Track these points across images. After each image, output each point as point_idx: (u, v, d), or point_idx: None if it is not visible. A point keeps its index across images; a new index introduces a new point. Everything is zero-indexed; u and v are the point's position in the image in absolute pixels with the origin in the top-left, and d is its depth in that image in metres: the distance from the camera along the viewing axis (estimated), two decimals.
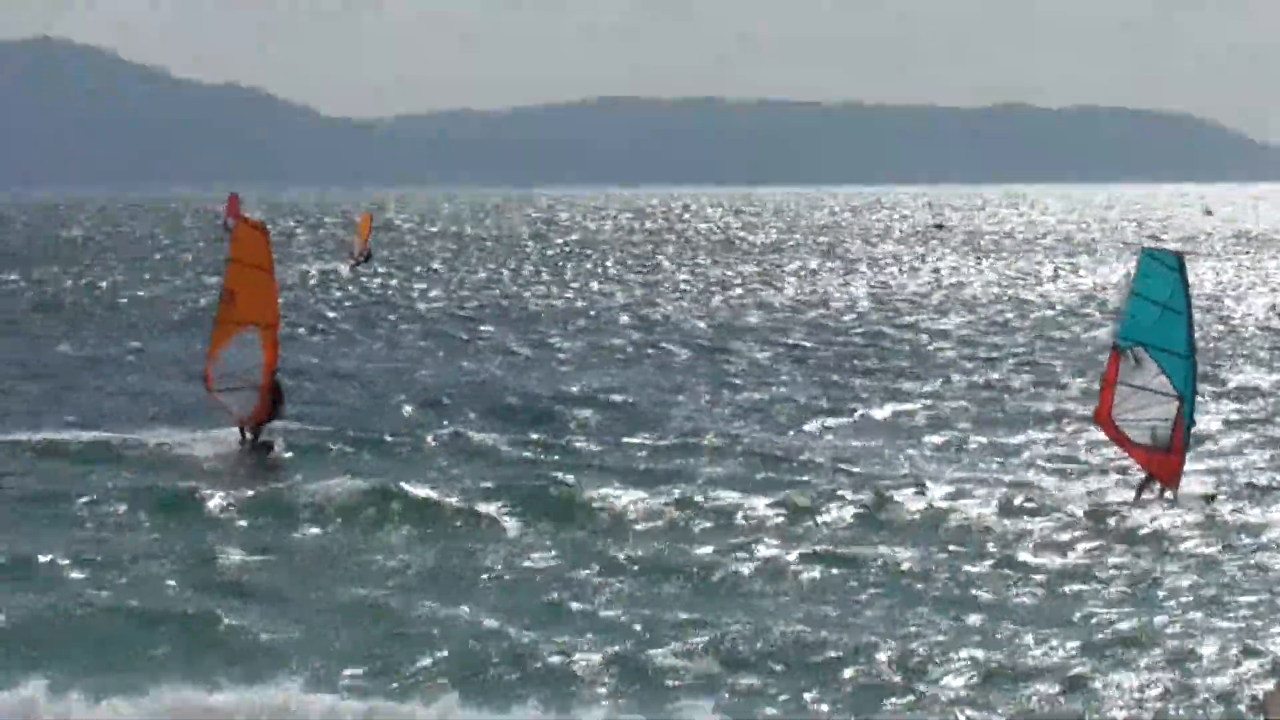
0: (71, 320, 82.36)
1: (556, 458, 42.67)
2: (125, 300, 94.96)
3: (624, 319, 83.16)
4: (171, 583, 30.25)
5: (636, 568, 31.55)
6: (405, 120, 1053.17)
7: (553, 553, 32.76)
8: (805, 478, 40.13)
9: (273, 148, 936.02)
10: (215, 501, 36.24)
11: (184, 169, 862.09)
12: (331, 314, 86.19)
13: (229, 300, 42.65)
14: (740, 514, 35.76)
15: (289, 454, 42.10)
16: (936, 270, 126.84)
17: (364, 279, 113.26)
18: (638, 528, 34.99)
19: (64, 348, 68.62)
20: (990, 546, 33.37)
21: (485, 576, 31.00)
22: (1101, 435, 39.37)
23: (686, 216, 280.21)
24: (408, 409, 51.44)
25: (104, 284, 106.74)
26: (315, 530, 34.78)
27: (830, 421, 49.62)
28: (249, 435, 42.75)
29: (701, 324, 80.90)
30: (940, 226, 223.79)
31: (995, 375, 61.12)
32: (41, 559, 31.50)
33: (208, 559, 31.88)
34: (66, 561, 31.34)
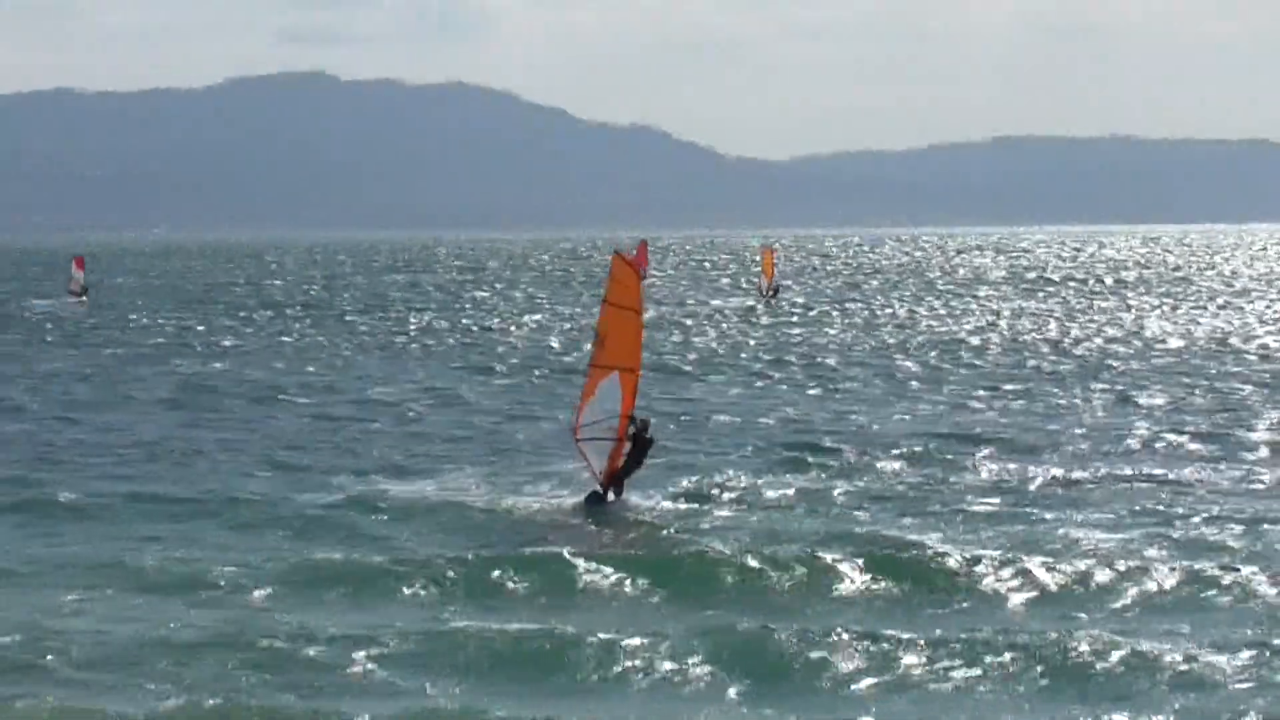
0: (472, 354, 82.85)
1: None
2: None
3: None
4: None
5: None
6: (803, 160, 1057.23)
7: None
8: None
9: (673, 188, 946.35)
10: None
11: (587, 209, 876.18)
12: (744, 356, 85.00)
13: (599, 344, 39.80)
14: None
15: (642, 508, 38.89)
16: None
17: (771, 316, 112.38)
18: None
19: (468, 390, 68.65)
20: None
21: None
22: None
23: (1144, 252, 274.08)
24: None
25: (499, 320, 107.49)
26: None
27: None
28: (609, 490, 39.33)
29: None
30: None
31: None
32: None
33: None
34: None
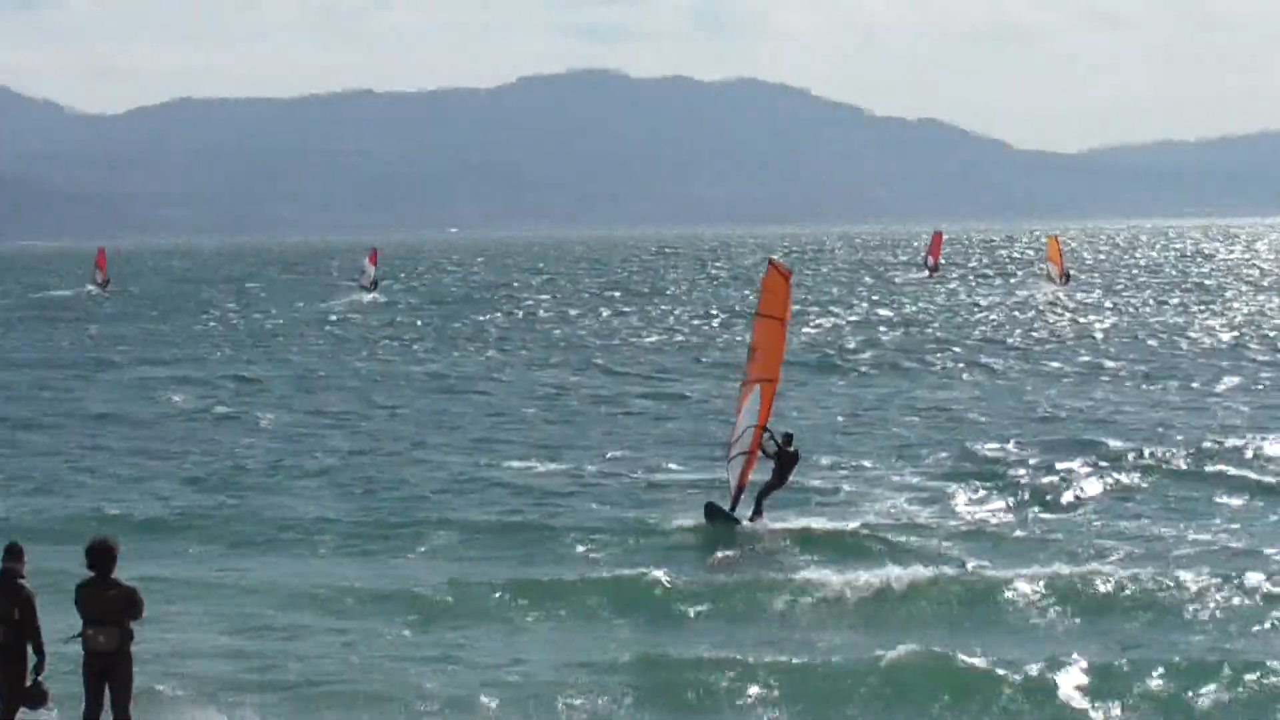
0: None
1: None
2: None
3: None
4: None
5: None
6: (1096, 152, 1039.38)
7: None
8: None
9: (962, 181, 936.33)
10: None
11: (875, 204, 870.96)
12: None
13: (751, 356, 37.39)
14: None
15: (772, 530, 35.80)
16: None
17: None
18: None
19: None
20: None
21: None
22: None
23: None
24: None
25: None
26: None
27: None
28: (736, 505, 36.29)
29: None
30: None
31: None
32: None
33: None
34: None
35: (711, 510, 36.17)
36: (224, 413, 58.27)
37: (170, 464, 46.44)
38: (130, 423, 56.08)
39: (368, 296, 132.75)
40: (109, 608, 20.09)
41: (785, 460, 36.20)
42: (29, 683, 20.43)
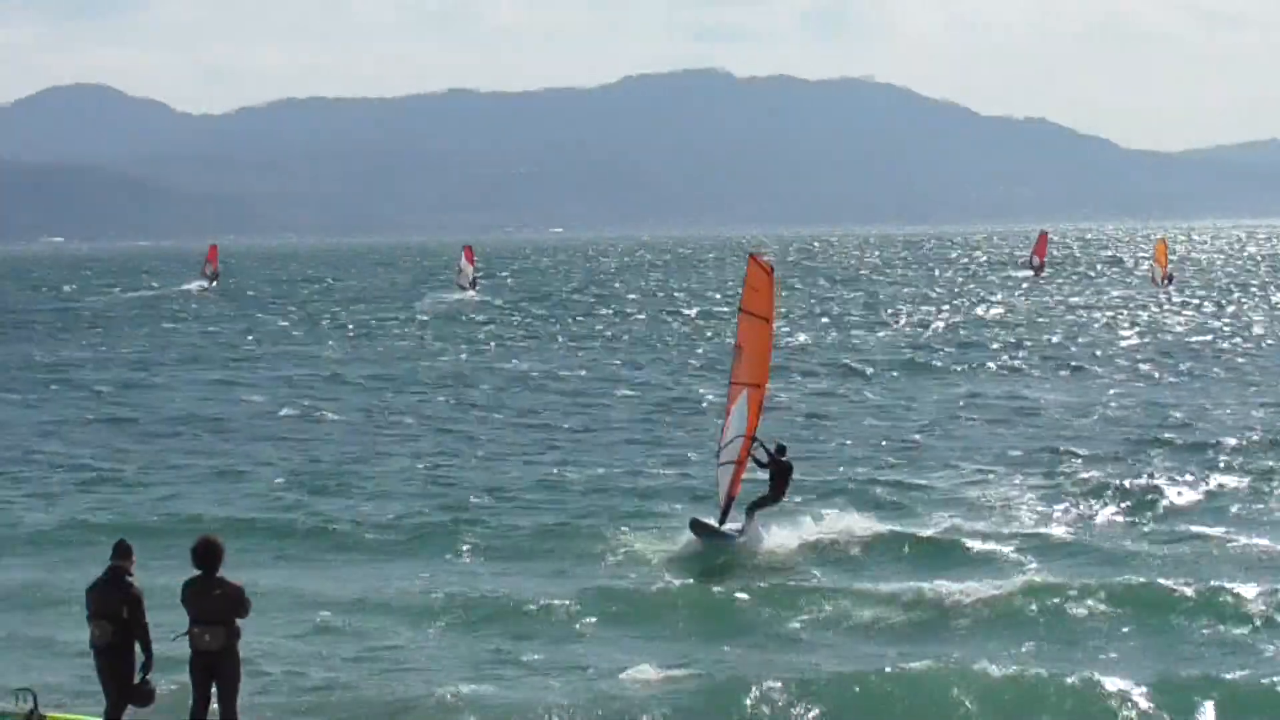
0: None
1: None
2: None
3: None
4: None
5: None
6: (1205, 151, 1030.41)
7: None
8: None
9: (1067, 181, 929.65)
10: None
11: (980, 203, 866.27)
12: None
13: (737, 355, 35.39)
14: None
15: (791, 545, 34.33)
16: None
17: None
18: None
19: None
20: None
21: None
22: None
23: None
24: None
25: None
26: None
27: None
28: (726, 519, 34.18)
29: None
30: None
31: None
32: None
33: None
34: None
35: (696, 526, 34.05)
36: (309, 412, 58.35)
37: (252, 463, 46.48)
38: (212, 422, 56.34)
39: (465, 295, 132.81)
40: (215, 607, 19.98)
41: (779, 472, 34.39)
42: (136, 681, 20.38)
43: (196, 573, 20.21)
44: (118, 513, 38.82)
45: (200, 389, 66.60)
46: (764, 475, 34.69)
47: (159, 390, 66.46)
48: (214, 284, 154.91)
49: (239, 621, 20.13)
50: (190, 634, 20.07)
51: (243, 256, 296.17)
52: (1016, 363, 71.42)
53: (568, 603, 29.67)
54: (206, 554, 20.17)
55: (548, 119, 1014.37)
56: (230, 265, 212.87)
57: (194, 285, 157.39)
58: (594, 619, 28.99)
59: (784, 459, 34.57)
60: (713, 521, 34.16)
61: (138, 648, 20.33)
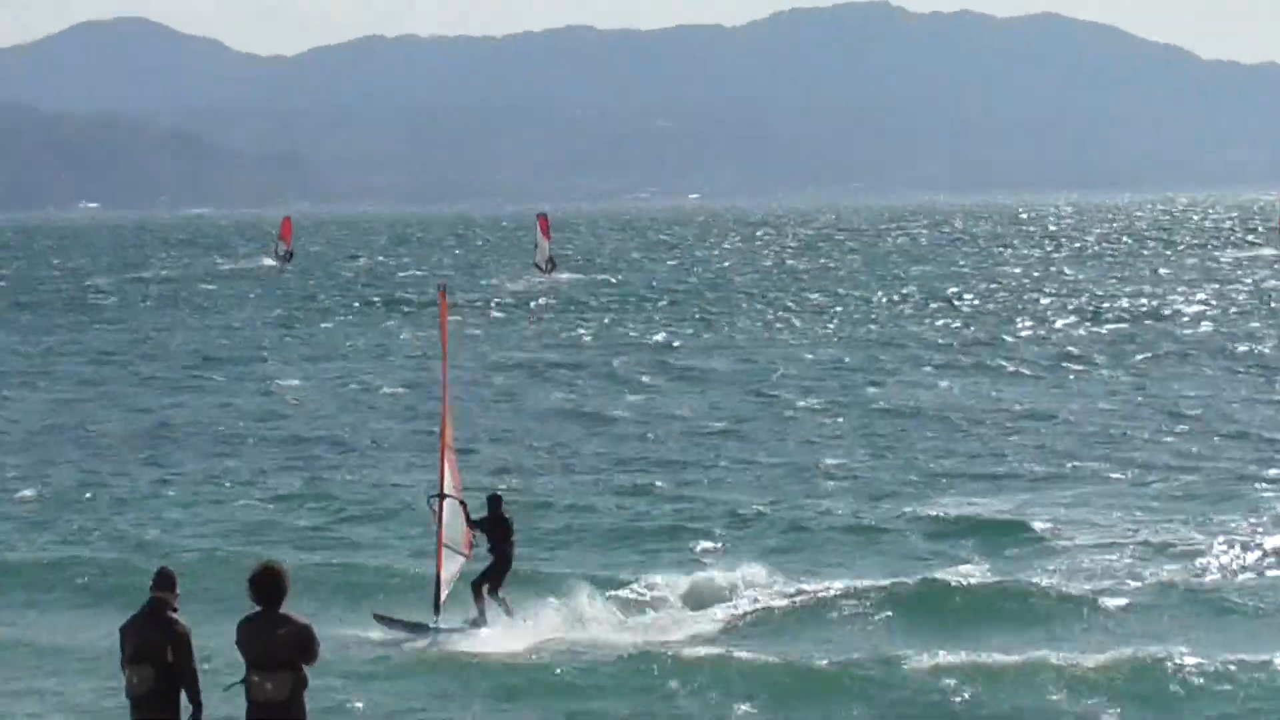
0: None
1: None
2: None
3: None
4: None
5: None
6: None
7: None
8: None
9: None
10: None
11: (1206, 167, 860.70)
12: None
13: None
14: None
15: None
16: None
17: None
18: None
19: None
20: None
21: None
22: None
23: None
24: None
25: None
26: None
27: None
28: (439, 604, 32.23)
29: None
30: None
31: None
32: None
33: None
34: None
35: (380, 619, 32.49)
36: (359, 396, 60.86)
37: (307, 452, 47.32)
38: (260, 417, 58.49)
39: (540, 277, 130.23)
40: (278, 649, 19.01)
41: (496, 531, 32.54)
42: None
43: (255, 609, 19.26)
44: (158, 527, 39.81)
45: (252, 384, 67.53)
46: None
47: (218, 382, 67.13)
48: (288, 262, 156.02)
49: (305, 668, 19.21)
50: (247, 682, 19.15)
51: (314, 229, 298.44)
52: (1214, 361, 71.19)
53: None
54: (267, 585, 19.16)
55: (683, 64, 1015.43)
56: (305, 240, 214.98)
57: (266, 261, 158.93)
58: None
59: (501, 512, 32.74)
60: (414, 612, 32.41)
61: (183, 697, 19.66)
